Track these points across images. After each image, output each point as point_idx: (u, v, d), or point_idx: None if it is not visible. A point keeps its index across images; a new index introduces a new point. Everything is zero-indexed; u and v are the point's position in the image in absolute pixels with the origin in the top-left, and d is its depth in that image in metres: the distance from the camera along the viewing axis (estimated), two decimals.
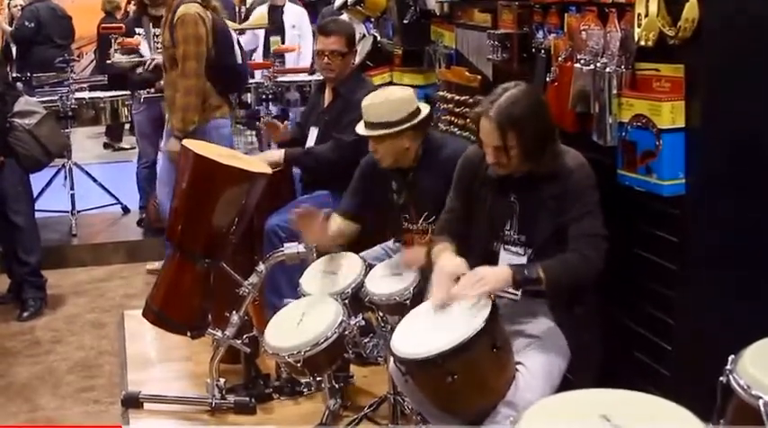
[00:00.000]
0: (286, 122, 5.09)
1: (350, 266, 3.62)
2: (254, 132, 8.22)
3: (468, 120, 4.07)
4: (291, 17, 7.52)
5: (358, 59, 5.39)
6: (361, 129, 3.57)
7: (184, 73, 4.83)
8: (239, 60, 5.22)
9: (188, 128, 4.85)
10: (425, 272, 3.26)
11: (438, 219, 3.26)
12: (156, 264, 5.52)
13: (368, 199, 3.70)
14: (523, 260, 2.86)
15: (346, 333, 3.34)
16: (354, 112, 4.14)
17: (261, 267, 3.76)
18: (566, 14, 3.21)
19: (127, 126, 8.86)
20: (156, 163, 6.57)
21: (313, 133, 4.54)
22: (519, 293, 2.80)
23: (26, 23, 9.02)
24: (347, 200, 3.75)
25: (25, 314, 5.12)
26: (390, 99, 3.54)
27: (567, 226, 2.78)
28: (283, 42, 7.39)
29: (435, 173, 3.43)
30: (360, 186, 3.74)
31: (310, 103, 4.85)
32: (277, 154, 4.44)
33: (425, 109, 3.60)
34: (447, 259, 2.87)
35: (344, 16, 5.46)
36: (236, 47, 5.17)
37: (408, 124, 3.46)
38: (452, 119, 4.25)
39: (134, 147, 9.12)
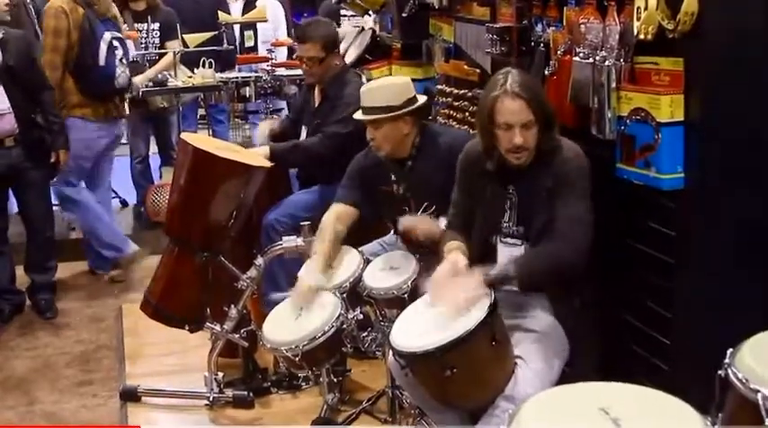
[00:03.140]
0: (276, 118, 5.01)
1: (348, 260, 3.62)
2: (251, 127, 8.23)
3: (467, 114, 4.07)
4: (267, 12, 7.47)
5: (357, 53, 5.39)
6: (358, 115, 3.57)
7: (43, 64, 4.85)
8: (102, 62, 5.07)
9: None
10: (424, 266, 3.28)
11: (437, 209, 3.27)
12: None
13: (366, 193, 3.69)
14: (522, 251, 2.86)
15: (344, 327, 3.34)
16: (342, 109, 4.16)
17: (259, 261, 3.76)
18: (564, 8, 3.20)
19: (123, 120, 8.82)
20: (149, 157, 6.61)
21: (304, 132, 4.54)
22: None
23: None
24: (346, 192, 3.70)
25: (48, 314, 5.07)
26: (388, 84, 3.61)
27: (555, 210, 2.77)
28: (256, 37, 7.47)
29: (434, 161, 3.44)
30: (357, 182, 3.71)
31: (302, 99, 4.82)
32: (262, 150, 4.30)
33: (422, 98, 3.61)
34: (452, 260, 2.84)
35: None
36: (104, 48, 5.05)
37: (408, 108, 3.48)
38: (451, 112, 4.25)
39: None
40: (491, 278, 2.68)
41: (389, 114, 3.45)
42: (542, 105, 2.79)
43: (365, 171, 3.70)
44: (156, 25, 6.34)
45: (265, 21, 7.28)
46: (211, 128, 7.53)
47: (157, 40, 6.37)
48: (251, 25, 7.45)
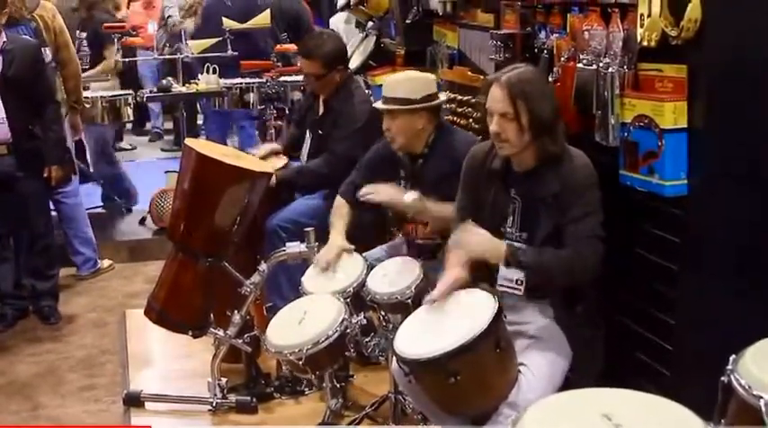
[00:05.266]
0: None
1: (352, 265, 3.62)
2: (256, 132, 8.22)
3: (470, 120, 4.08)
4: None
5: (361, 59, 5.41)
6: (378, 104, 3.62)
7: None
8: None
9: None
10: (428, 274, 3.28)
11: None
12: None
13: (376, 177, 3.71)
14: None
15: (348, 331, 3.34)
16: (347, 126, 4.18)
17: (263, 266, 3.76)
18: (568, 15, 3.22)
19: (129, 125, 8.84)
20: None
21: (308, 139, 4.56)
22: (522, 289, 2.80)
23: None
24: (350, 188, 3.75)
25: (52, 319, 5.07)
26: (411, 77, 3.64)
27: (566, 224, 2.78)
28: None
29: (444, 160, 3.46)
30: (364, 173, 3.76)
31: (306, 103, 4.82)
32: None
33: (443, 96, 3.66)
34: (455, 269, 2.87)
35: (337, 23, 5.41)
36: None
37: (426, 104, 3.50)
38: (455, 119, 4.25)
39: (135, 147, 9.12)
40: (516, 259, 2.73)
41: (405, 107, 3.48)
42: (533, 106, 2.78)
43: (378, 162, 3.75)
44: (85, 35, 6.41)
45: (268, 27, 7.28)
46: (236, 135, 7.53)
47: (87, 49, 6.42)
48: None
